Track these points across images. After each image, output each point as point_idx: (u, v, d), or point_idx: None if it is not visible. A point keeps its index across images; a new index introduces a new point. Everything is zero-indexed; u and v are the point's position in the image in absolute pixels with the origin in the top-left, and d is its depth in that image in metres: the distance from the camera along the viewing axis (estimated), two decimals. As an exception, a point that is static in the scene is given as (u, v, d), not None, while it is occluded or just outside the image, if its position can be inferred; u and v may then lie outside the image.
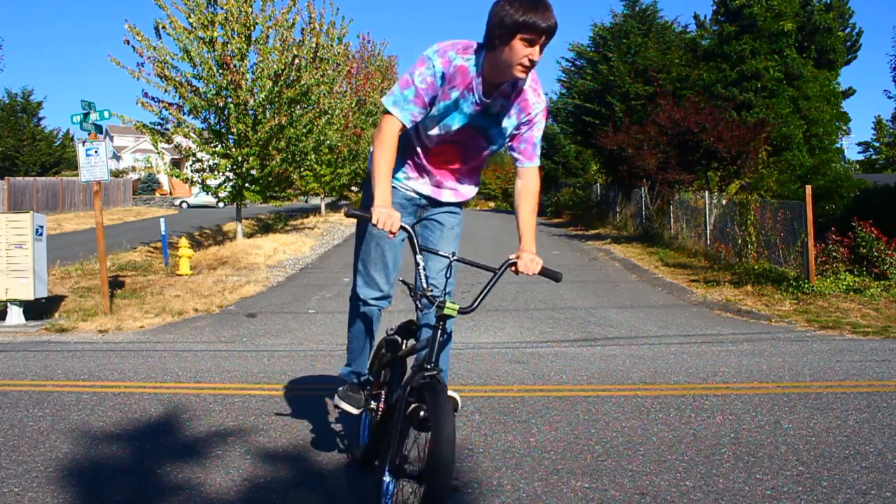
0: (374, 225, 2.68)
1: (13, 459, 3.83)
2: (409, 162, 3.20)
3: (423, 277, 2.80)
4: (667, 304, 11.19)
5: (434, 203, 3.31)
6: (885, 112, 77.49)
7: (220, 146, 17.29)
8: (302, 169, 20.76)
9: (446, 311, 2.67)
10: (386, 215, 2.66)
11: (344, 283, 13.31)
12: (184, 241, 14.74)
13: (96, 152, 10.61)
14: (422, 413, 2.47)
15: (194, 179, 17.84)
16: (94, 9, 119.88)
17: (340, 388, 3.38)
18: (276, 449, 4.00)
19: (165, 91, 16.27)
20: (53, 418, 4.64)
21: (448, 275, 3.07)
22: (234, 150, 17.04)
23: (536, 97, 2.95)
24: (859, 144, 53.90)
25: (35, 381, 5.93)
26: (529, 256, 2.96)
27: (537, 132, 3.02)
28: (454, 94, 2.88)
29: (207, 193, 18.62)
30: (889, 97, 45.81)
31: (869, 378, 5.74)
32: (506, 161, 76.22)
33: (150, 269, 15.19)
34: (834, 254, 11.72)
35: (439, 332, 2.67)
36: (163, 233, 16.05)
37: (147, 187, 48.89)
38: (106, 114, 10.77)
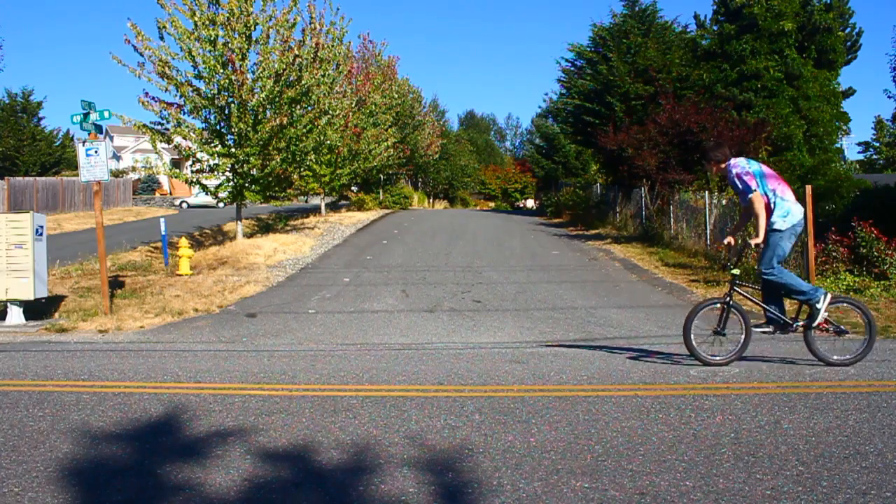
0: None
1: (13, 459, 3.83)
2: None
3: None
4: (667, 304, 11.19)
5: None
6: (885, 112, 77.55)
7: (220, 146, 17.29)
8: (302, 169, 20.75)
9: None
10: None
11: (344, 283, 13.30)
12: (184, 241, 14.74)
13: (96, 152, 10.61)
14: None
15: (194, 180, 17.85)
16: (94, 9, 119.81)
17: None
18: (276, 449, 4.00)
19: (166, 90, 16.29)
20: (53, 418, 4.64)
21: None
22: (234, 149, 17.05)
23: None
24: (859, 144, 53.87)
25: (35, 381, 5.93)
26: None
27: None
28: None
29: (207, 194, 18.63)
30: (889, 97, 45.81)
31: (869, 378, 5.74)
32: (506, 161, 76.28)
33: (150, 269, 15.19)
34: (834, 254, 11.71)
35: None
36: (163, 233, 16.05)
37: (147, 187, 48.87)
38: (106, 114, 10.78)
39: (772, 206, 6.01)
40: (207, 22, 16.02)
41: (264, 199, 19.44)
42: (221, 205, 20.11)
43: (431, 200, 53.90)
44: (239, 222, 18.72)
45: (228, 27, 16.20)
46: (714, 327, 6.36)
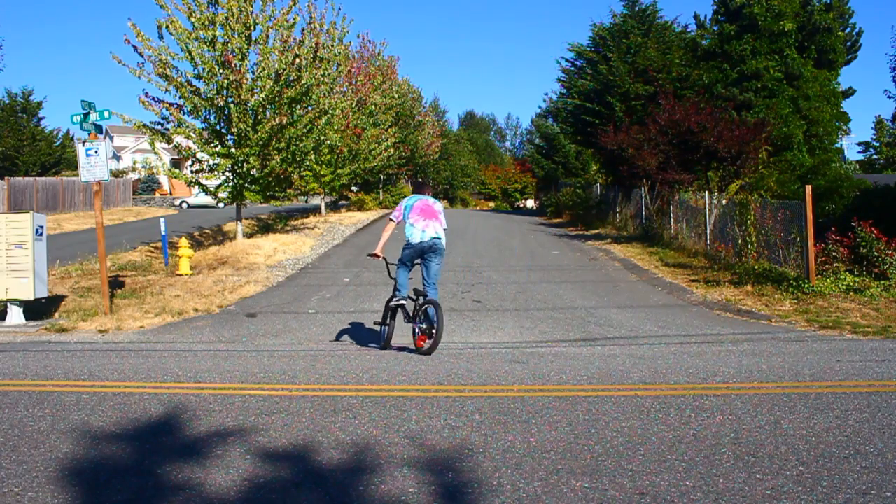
0: None
1: (13, 459, 3.83)
2: None
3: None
4: (667, 304, 11.19)
5: None
6: (885, 112, 77.53)
7: (220, 146, 17.29)
8: (302, 169, 20.75)
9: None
10: None
11: (344, 283, 13.31)
12: (184, 241, 14.74)
13: (96, 152, 10.61)
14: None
15: (194, 180, 17.85)
16: (94, 9, 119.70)
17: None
18: (276, 449, 4.00)
19: (166, 91, 16.28)
20: (53, 418, 4.64)
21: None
22: (234, 149, 17.04)
23: None
24: (859, 144, 53.77)
25: (35, 381, 5.93)
26: None
27: None
28: None
29: (207, 194, 18.63)
30: (889, 97, 45.81)
31: (869, 378, 5.74)
32: (506, 161, 76.39)
33: (150, 269, 15.19)
34: (834, 254, 11.71)
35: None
36: (163, 233, 16.05)
37: (147, 187, 48.84)
38: (106, 114, 10.77)
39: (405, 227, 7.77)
40: (206, 22, 16.01)
41: (264, 199, 19.43)
42: (221, 205, 20.11)
43: (431, 200, 53.71)
44: (239, 222, 18.72)
45: (228, 27, 16.19)
46: (385, 322, 7.98)
